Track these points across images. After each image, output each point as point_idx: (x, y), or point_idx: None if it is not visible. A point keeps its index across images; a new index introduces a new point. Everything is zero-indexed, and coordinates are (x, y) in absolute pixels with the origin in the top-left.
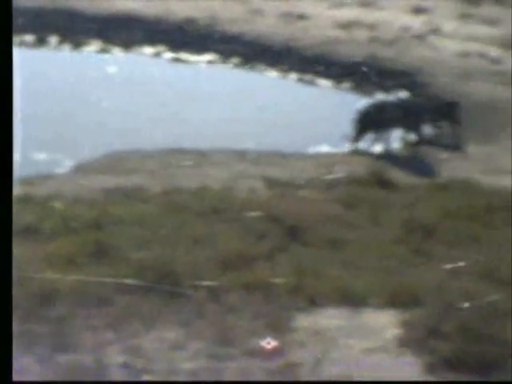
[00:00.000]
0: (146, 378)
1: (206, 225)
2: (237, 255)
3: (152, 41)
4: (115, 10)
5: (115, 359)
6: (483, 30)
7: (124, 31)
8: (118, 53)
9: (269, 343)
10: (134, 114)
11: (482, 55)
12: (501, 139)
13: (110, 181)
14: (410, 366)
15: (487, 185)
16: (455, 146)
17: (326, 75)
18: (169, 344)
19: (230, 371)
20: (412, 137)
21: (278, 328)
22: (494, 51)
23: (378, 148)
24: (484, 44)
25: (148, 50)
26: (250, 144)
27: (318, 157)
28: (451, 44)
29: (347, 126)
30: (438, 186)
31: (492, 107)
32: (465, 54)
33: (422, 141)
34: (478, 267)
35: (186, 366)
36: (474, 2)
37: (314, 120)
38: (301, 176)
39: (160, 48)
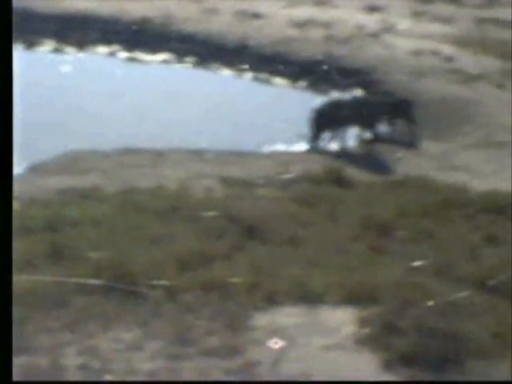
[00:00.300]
0: (107, 377)
1: (162, 225)
2: (194, 255)
3: (107, 40)
4: (70, 10)
5: (72, 361)
6: (436, 28)
7: (78, 31)
8: (72, 52)
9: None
10: (88, 113)
11: (435, 53)
12: (455, 137)
13: (66, 181)
14: (367, 362)
15: (442, 181)
16: (410, 144)
17: (282, 74)
18: (126, 344)
19: (188, 371)
20: (367, 135)
21: (235, 327)
22: (447, 49)
23: (334, 146)
24: (437, 42)
25: (103, 49)
26: (206, 143)
27: (274, 156)
28: (405, 42)
29: (303, 125)
30: (394, 184)
31: (446, 105)
32: (418, 52)
33: (378, 139)
34: (435, 264)
35: (145, 366)
36: (427, 0)
37: (270, 119)
38: (258, 175)
39: (115, 47)
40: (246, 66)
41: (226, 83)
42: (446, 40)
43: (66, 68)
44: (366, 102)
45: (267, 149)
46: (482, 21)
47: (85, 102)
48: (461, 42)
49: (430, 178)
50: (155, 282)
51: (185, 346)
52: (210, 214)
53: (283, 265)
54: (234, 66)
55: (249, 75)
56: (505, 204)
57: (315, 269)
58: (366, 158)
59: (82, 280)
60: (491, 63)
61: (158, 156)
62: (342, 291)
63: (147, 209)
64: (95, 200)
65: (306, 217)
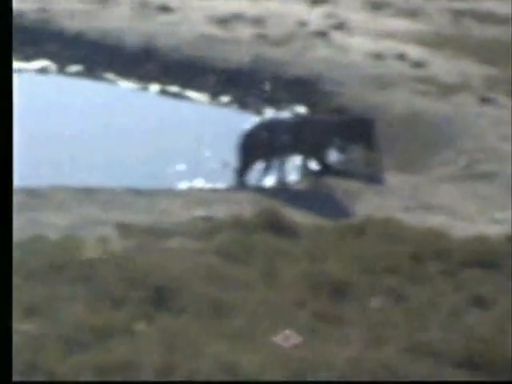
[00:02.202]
0: None
1: (42, 288)
2: (86, 328)
3: None
4: None
5: None
6: (401, 24)
7: None
8: None
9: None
10: None
11: (399, 56)
12: (428, 166)
13: None
14: None
15: (413, 226)
16: (371, 176)
17: (199, 86)
18: None
19: None
20: (314, 165)
21: None
22: (415, 51)
23: (270, 181)
24: (402, 42)
25: None
26: (97, 178)
27: (190, 194)
28: (360, 42)
29: (229, 153)
30: (350, 230)
31: (416, 125)
32: (378, 56)
33: (328, 170)
34: (405, 336)
35: None
36: None
37: (185, 145)
38: (169, 220)
39: None
40: (152, 76)
41: (125, 98)
42: (413, 39)
43: None
44: (312, 122)
45: (181, 185)
46: (457, 14)
47: None
48: (432, 42)
49: (396, 222)
50: (32, 371)
51: None
52: (106, 272)
53: (205, 340)
54: (134, 76)
55: (155, 88)
56: (493, 254)
57: (247, 344)
58: (312, 196)
59: None
60: (472, 69)
61: (34, 196)
62: (282, 373)
63: (22, 267)
64: None
65: (233, 275)
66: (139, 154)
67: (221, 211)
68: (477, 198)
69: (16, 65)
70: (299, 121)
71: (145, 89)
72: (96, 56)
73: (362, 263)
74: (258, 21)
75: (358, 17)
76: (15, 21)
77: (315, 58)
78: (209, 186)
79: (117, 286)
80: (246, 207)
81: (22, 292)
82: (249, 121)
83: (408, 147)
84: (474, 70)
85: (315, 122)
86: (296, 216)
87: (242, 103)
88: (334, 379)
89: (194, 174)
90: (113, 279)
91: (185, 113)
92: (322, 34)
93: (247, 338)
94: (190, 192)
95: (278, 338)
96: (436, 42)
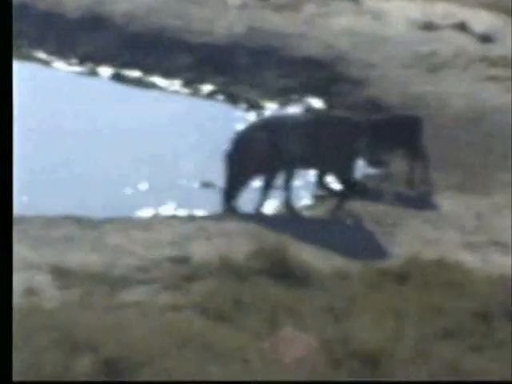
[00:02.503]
0: None
1: None
2: None
3: None
4: None
5: None
6: None
7: None
8: None
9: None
10: None
11: (459, 26)
12: (498, 183)
13: None
14: None
15: (476, 271)
16: (416, 199)
17: (167, 69)
18: None
19: None
20: (334, 183)
21: None
22: (480, 19)
23: (270, 206)
24: (463, 5)
25: None
26: (24, 201)
27: (157, 224)
28: (402, 6)
29: (212, 166)
30: (386, 276)
31: (480, 124)
32: (428, 25)
33: (354, 189)
34: None
35: None
36: None
37: (148, 154)
38: (125, 262)
39: None
40: (101, 54)
41: (61, 85)
42: (478, 2)
43: None
44: (331, 121)
45: (144, 211)
46: None
47: None
48: (507, 7)
49: (453, 265)
50: None
51: None
52: (37, 337)
53: None
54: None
55: (106, 71)
56: None
57: None
58: (331, 228)
59: None
60: None
61: None
62: None
63: None
64: None
65: (219, 344)
66: (83, 167)
67: (201, 249)
68: None
69: None
70: (312, 120)
71: (91, 73)
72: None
73: (403, 325)
74: None
75: None
76: None
77: (335, 29)
78: (183, 212)
79: (54, 356)
80: (237, 243)
81: None
82: (241, 120)
83: (468, 157)
84: None
85: (336, 122)
86: (309, 256)
87: (231, 94)
88: None
89: (162, 196)
90: (44, 349)
91: (149, 107)
92: None
93: None
94: (157, 221)
95: None
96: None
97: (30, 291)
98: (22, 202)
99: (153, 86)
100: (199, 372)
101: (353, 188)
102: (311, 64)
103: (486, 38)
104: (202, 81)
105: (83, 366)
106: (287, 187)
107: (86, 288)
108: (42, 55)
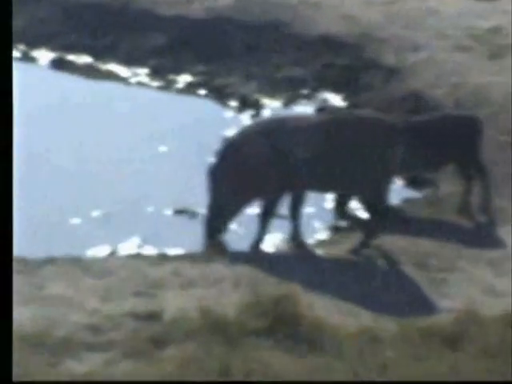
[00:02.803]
0: None
1: None
2: None
3: None
4: None
5: None
6: None
7: None
8: None
9: None
10: None
11: None
12: None
13: None
14: None
15: None
16: (474, 233)
17: (127, 53)
18: None
19: None
20: (359, 208)
21: None
22: None
23: (272, 240)
24: None
25: None
26: None
27: (114, 267)
28: None
29: (191, 186)
30: (433, 338)
31: None
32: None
33: (387, 217)
34: None
35: None
36: None
37: (101, 168)
38: (67, 319)
39: None
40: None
41: None
42: None
43: None
44: (355, 124)
45: (100, 249)
46: None
47: None
48: None
49: None
50: None
51: None
52: None
53: None
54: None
55: (45, 56)
56: None
57: None
58: (356, 272)
59: None
60: None
61: None
62: None
63: None
64: None
65: None
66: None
67: (175, 302)
68: None
69: None
70: (330, 123)
71: (24, 58)
72: None
73: None
74: None
75: None
76: None
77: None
78: (151, 250)
79: None
80: (224, 293)
81: None
82: (231, 122)
83: None
84: None
85: (362, 126)
86: (324, 311)
87: (216, 88)
88: None
89: (121, 228)
90: None
91: (102, 104)
92: None
93: None
94: (115, 263)
95: None
96: None
97: None
98: None
99: (108, 75)
100: None
101: (385, 217)
102: (327, 45)
103: None
104: (178, 69)
105: None
106: (295, 215)
107: (16, 356)
108: None
